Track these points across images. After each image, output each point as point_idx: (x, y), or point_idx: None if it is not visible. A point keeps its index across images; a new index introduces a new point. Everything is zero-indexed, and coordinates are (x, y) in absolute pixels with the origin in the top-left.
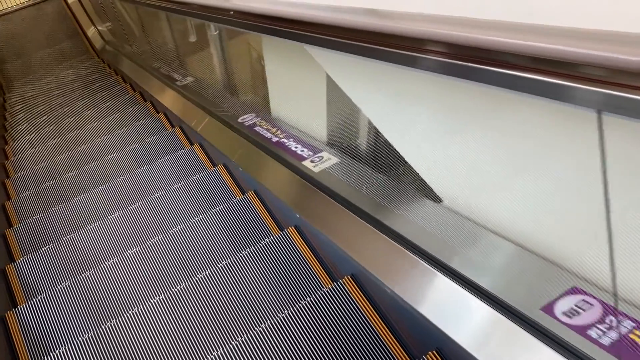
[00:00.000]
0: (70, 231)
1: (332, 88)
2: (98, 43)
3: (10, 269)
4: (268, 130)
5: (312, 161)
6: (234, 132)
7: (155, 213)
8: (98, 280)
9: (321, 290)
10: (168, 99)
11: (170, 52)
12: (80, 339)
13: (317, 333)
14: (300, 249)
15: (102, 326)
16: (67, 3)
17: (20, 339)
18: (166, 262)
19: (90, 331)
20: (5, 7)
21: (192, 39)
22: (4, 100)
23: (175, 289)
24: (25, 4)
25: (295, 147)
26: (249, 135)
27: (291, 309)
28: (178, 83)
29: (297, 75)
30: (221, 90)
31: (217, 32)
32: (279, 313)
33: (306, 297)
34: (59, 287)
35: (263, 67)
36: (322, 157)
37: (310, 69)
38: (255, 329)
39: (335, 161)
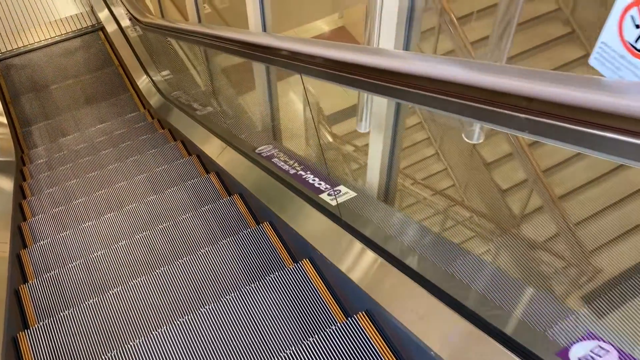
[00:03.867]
0: (79, 256)
1: None
2: (153, 98)
3: (23, 289)
4: None
5: None
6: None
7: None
8: (102, 308)
9: (334, 325)
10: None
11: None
12: None
13: None
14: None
15: (103, 356)
16: (108, 40)
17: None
18: (173, 293)
19: None
20: (24, 44)
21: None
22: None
23: (180, 321)
24: (57, 38)
25: None
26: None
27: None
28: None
29: None
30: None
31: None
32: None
33: (317, 333)
34: (64, 312)
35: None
36: None
37: None
38: None
39: None
